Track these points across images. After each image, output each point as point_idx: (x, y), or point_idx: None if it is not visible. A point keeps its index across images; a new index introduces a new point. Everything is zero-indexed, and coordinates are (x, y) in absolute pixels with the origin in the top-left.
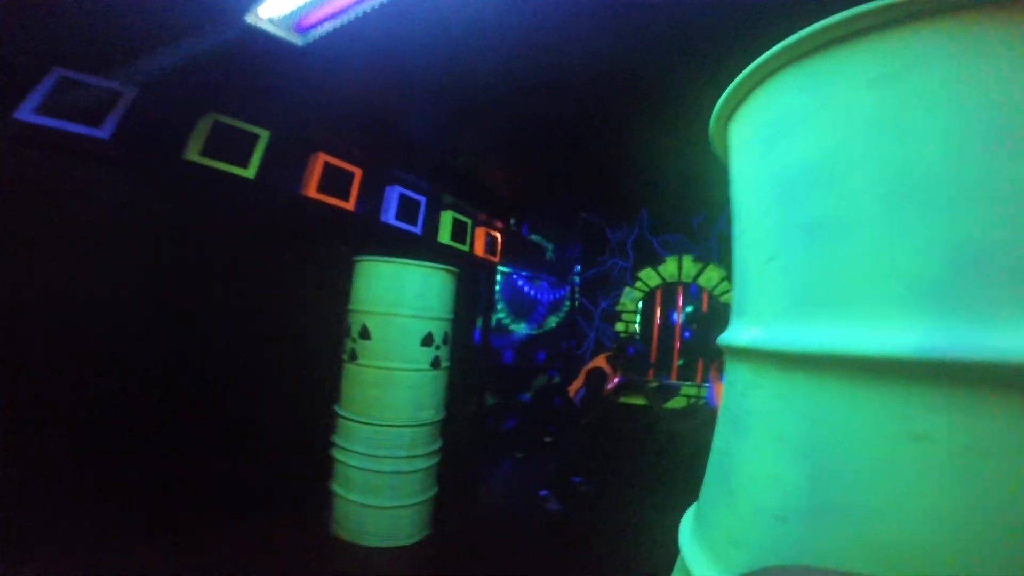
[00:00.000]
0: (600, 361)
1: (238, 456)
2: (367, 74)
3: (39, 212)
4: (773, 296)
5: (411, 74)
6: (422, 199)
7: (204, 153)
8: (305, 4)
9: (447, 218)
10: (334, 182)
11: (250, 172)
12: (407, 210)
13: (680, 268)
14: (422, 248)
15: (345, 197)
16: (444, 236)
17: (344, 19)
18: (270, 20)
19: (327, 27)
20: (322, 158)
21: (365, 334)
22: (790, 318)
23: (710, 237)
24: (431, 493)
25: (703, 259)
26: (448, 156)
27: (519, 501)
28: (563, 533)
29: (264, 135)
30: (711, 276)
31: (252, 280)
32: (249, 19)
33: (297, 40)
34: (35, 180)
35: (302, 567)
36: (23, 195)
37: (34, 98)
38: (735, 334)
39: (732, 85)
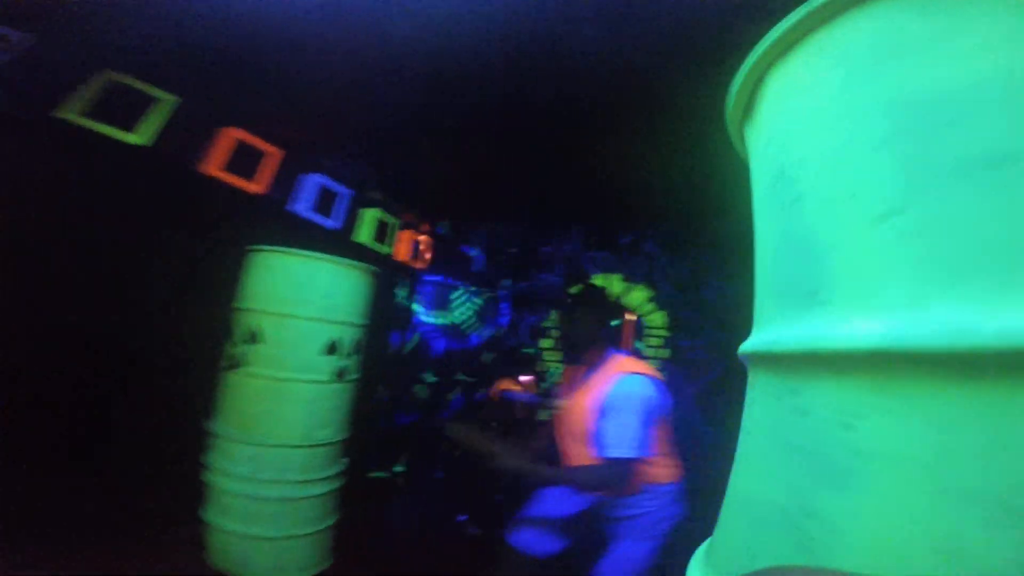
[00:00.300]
0: (508, 383)
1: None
2: (311, 42)
3: None
4: (896, 270)
5: (362, 50)
6: (345, 192)
7: (88, 115)
8: None
9: (370, 216)
10: (243, 161)
11: (141, 138)
12: (326, 202)
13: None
14: (337, 246)
15: (253, 179)
16: (364, 235)
17: None
18: None
19: None
20: (232, 133)
21: (255, 337)
22: (939, 300)
23: (638, 256)
24: (329, 521)
25: (631, 279)
26: (387, 147)
27: (436, 526)
28: (484, 560)
29: (169, 100)
30: (637, 296)
31: (121, 260)
32: None
33: None
34: None
35: None
36: None
37: None
38: (813, 332)
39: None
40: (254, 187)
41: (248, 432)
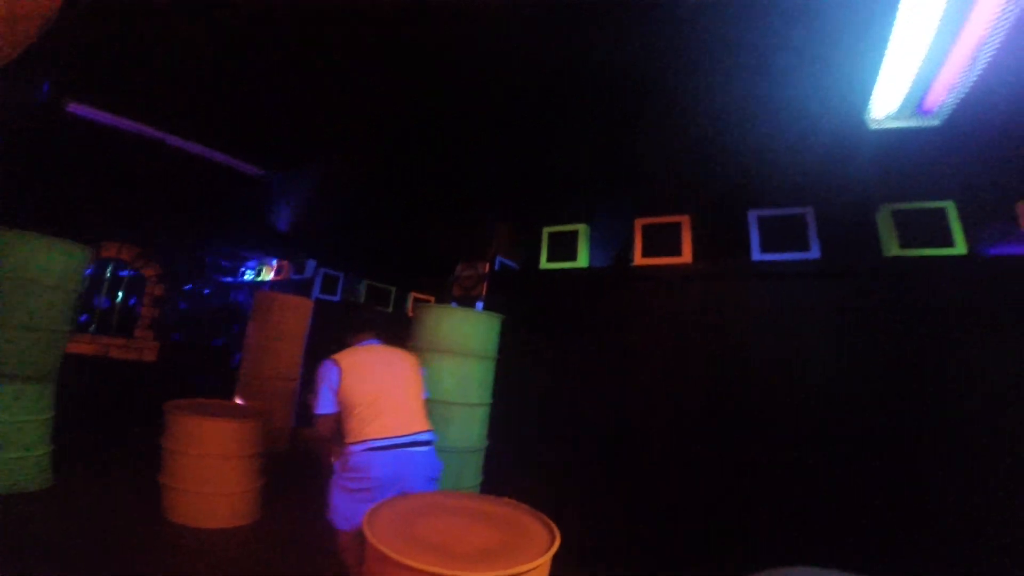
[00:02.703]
0: None
1: None
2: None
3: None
4: None
5: None
6: None
7: (902, 245)
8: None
9: None
10: None
11: (959, 248)
12: None
13: None
14: None
15: None
16: None
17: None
18: (889, 116)
19: (952, 99)
20: None
21: None
22: None
23: None
24: None
25: None
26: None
27: None
28: None
29: (950, 206)
30: None
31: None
32: (872, 124)
33: (933, 121)
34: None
35: None
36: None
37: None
38: None
39: None
40: None
41: None
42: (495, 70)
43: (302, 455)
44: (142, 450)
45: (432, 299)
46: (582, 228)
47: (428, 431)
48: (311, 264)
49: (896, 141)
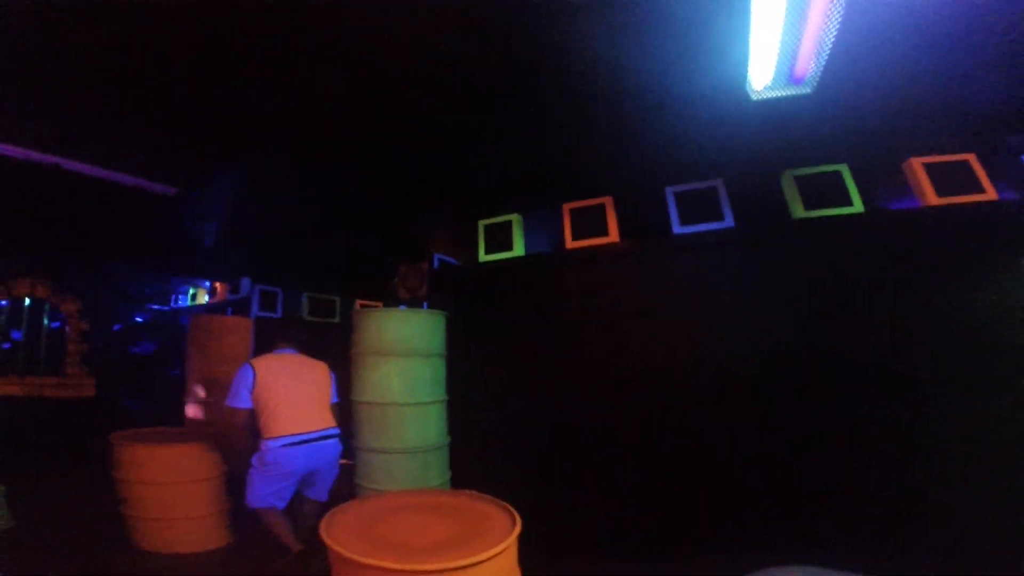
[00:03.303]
0: None
1: None
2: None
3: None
4: None
5: None
6: None
7: (806, 207)
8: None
9: None
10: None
11: (857, 207)
12: None
13: None
14: None
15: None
16: None
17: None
18: (766, 87)
19: (817, 67)
20: (919, 161)
21: None
22: None
23: None
24: None
25: None
26: None
27: None
28: None
29: (844, 169)
30: None
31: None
32: (753, 96)
33: (805, 89)
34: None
35: None
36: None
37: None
38: None
39: None
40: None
41: None
42: (415, 65)
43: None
44: (96, 483)
45: (380, 304)
46: (515, 218)
47: (334, 427)
48: (246, 282)
49: (784, 111)
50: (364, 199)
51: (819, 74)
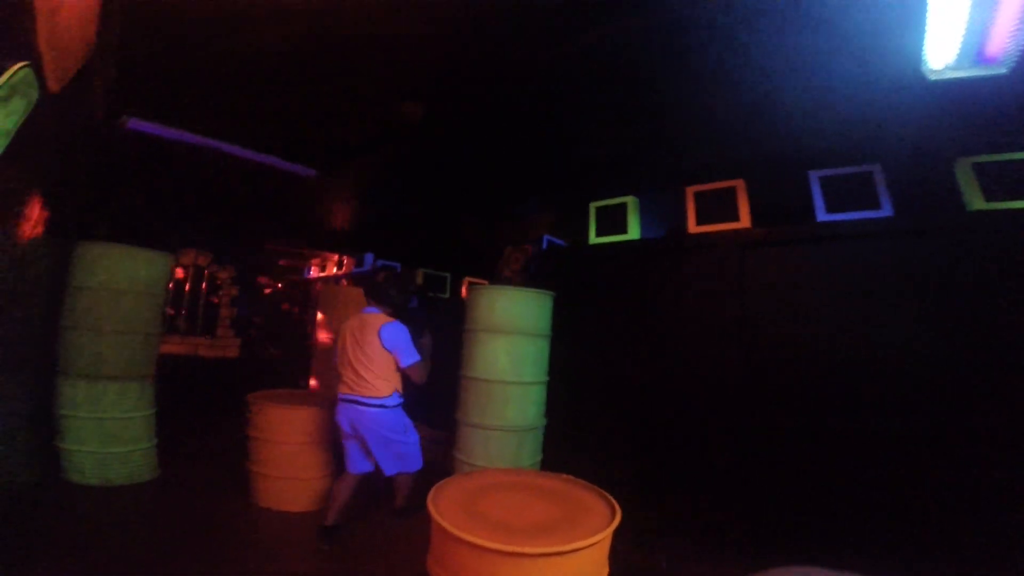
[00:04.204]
0: None
1: None
2: None
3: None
4: None
5: None
6: None
7: (987, 198)
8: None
9: None
10: None
11: None
12: None
13: None
14: None
15: None
16: None
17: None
18: (948, 67)
19: (1016, 44)
20: None
21: None
22: None
23: None
24: None
25: None
26: None
27: None
28: None
29: None
30: None
31: None
32: (931, 75)
33: (1000, 69)
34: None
35: None
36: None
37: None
38: None
39: None
40: None
41: None
42: (523, 55)
43: None
44: (232, 440)
45: (486, 283)
46: (630, 200)
47: (371, 396)
48: (369, 257)
49: (964, 91)
50: (475, 182)
51: (1017, 53)
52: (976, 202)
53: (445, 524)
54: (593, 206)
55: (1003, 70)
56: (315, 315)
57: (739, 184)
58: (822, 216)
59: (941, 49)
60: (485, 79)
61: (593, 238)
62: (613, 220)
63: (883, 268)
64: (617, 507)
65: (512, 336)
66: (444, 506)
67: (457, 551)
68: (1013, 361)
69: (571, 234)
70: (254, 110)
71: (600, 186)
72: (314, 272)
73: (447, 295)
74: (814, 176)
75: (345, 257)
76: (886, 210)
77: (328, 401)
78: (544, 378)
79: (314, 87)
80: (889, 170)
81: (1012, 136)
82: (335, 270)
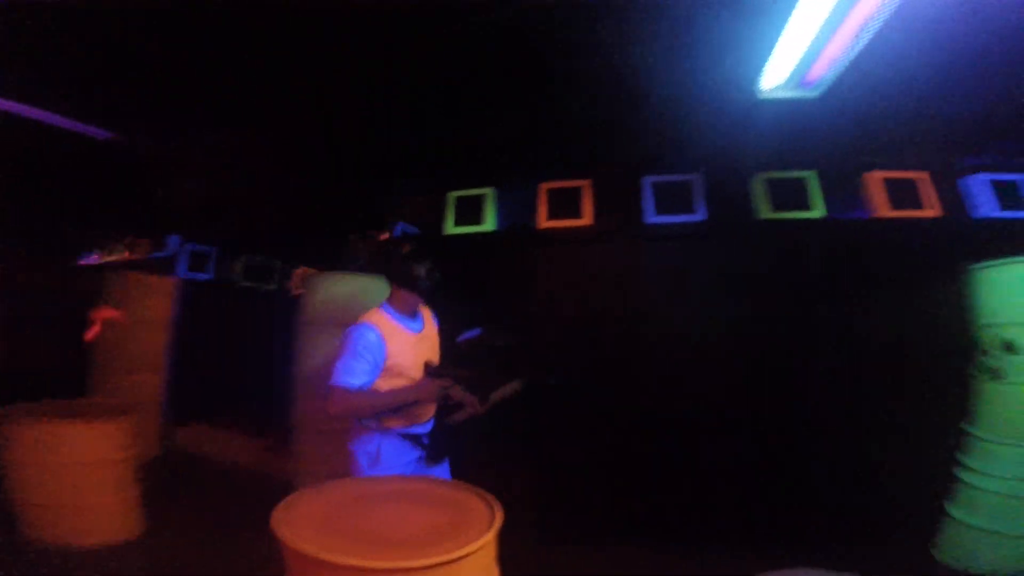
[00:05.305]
0: None
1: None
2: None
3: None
4: None
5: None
6: None
7: (773, 208)
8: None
9: None
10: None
11: (816, 212)
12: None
13: None
14: None
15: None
16: None
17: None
18: (777, 87)
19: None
20: (878, 175)
21: (1011, 348)
22: None
23: None
24: None
25: None
26: None
27: None
28: None
29: (812, 176)
30: None
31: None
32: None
33: (813, 93)
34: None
35: None
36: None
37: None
38: None
39: None
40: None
41: (1015, 437)
42: (389, 24)
43: (179, 460)
44: None
45: (323, 272)
46: (488, 192)
47: None
48: (174, 240)
49: (778, 112)
50: (320, 162)
51: (831, 81)
52: (764, 211)
53: (306, 548)
54: (452, 195)
55: (815, 94)
56: (99, 310)
57: (585, 184)
58: (651, 218)
59: (776, 71)
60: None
61: (450, 227)
62: (471, 210)
63: (699, 265)
64: (497, 508)
65: None
66: (299, 526)
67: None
68: (791, 347)
69: (426, 224)
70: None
71: (458, 176)
72: (96, 258)
73: (275, 286)
74: (647, 181)
75: (140, 239)
76: (700, 214)
77: (120, 412)
78: None
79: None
80: (708, 178)
81: (801, 154)
82: (126, 255)
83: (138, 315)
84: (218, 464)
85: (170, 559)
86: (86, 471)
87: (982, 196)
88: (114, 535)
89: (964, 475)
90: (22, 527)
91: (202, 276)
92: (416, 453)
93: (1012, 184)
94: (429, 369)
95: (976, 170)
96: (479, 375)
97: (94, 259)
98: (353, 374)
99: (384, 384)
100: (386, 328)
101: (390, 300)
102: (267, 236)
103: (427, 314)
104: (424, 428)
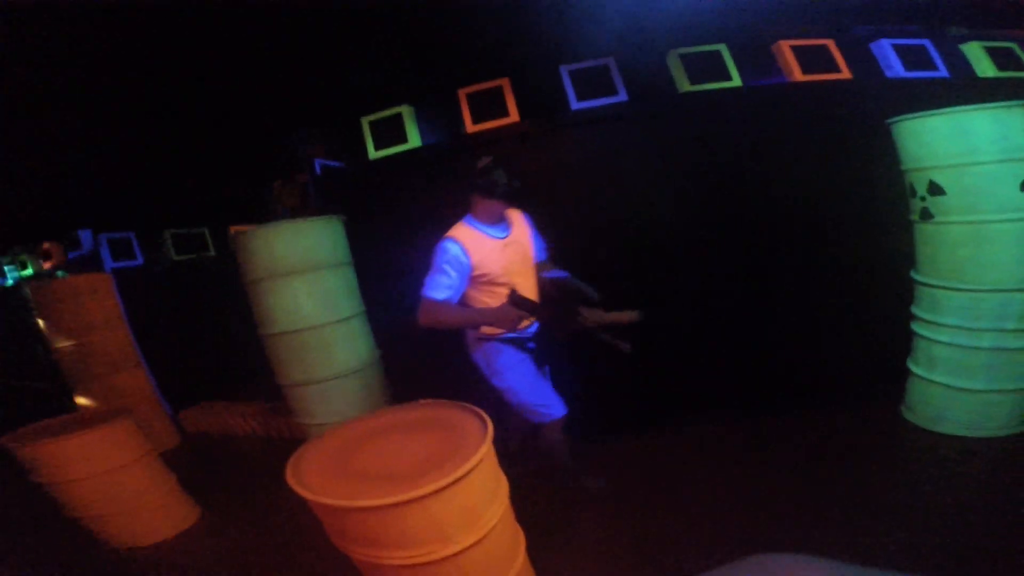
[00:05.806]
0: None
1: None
2: None
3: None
4: None
5: None
6: None
7: (691, 82)
8: None
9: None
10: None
11: (736, 82)
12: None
13: None
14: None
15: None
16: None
17: None
18: None
19: None
20: (788, 43)
21: (937, 189)
22: None
23: None
24: None
25: None
26: None
27: None
28: None
29: (723, 48)
30: None
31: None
32: None
33: None
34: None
35: (867, 453)
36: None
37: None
38: None
39: None
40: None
41: (952, 280)
42: None
43: (199, 442)
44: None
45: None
46: (405, 109)
47: None
48: (86, 235)
49: None
50: (222, 116)
51: None
52: (684, 85)
53: (324, 499)
54: (365, 120)
55: None
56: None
57: (504, 83)
58: (575, 105)
59: None
60: None
61: (372, 153)
62: (390, 132)
63: (623, 145)
64: (487, 418)
65: (308, 274)
66: (311, 478)
67: (353, 519)
68: (734, 216)
69: (347, 155)
70: None
71: (373, 101)
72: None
73: (212, 252)
74: (564, 70)
75: (49, 245)
76: (622, 95)
77: (114, 412)
78: (361, 308)
79: None
80: (621, 61)
81: (708, 30)
82: (45, 265)
83: (85, 320)
84: (237, 437)
85: (232, 540)
86: (119, 475)
87: (889, 59)
88: (172, 529)
89: (917, 327)
90: (95, 537)
91: (132, 263)
92: (524, 355)
93: (912, 47)
94: (512, 297)
95: (876, 37)
96: (556, 313)
97: (4, 280)
98: (438, 288)
99: (476, 292)
100: (469, 239)
101: (472, 211)
102: (185, 205)
103: (517, 218)
104: (527, 333)
